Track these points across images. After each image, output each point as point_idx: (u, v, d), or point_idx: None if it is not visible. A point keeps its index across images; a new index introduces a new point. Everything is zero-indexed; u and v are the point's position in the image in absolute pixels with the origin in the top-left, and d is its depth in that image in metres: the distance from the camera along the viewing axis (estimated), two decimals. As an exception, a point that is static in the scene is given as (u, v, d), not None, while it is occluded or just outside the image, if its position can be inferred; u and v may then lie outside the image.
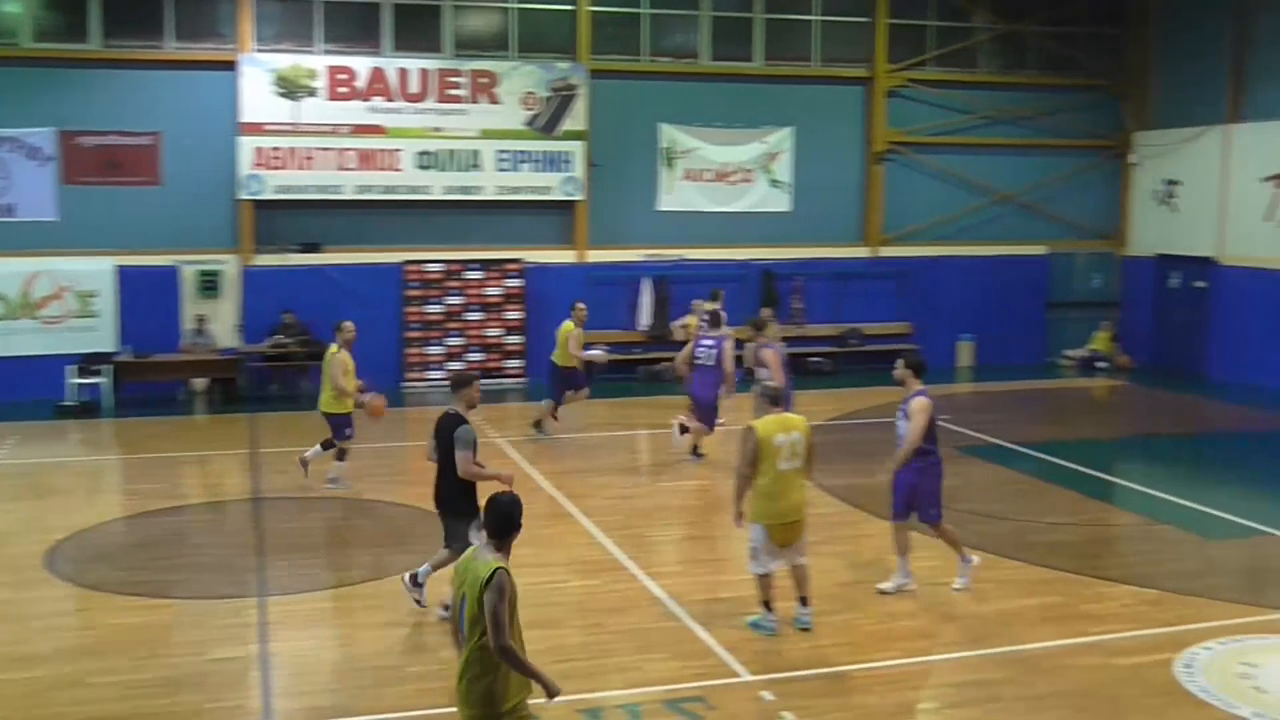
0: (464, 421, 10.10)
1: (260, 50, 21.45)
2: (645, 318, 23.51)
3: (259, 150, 21.35)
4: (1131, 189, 26.50)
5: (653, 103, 23.73)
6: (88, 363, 20.49)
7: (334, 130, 21.71)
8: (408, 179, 22.15)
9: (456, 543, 10.28)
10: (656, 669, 9.34)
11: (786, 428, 9.88)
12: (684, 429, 16.30)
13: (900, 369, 11.05)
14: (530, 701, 6.39)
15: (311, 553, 12.50)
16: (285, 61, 21.47)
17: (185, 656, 9.64)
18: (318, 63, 21.65)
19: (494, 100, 22.51)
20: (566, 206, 23.29)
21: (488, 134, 22.47)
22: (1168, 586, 11.46)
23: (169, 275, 21.32)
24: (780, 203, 24.62)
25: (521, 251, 22.92)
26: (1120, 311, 26.53)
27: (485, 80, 22.45)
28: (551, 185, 22.94)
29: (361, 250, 22.20)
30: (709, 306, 18.09)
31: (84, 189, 21.04)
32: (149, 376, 21.02)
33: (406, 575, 10.65)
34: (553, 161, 22.90)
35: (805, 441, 9.97)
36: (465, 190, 22.51)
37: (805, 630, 10.10)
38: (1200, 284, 24.56)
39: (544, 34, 23.14)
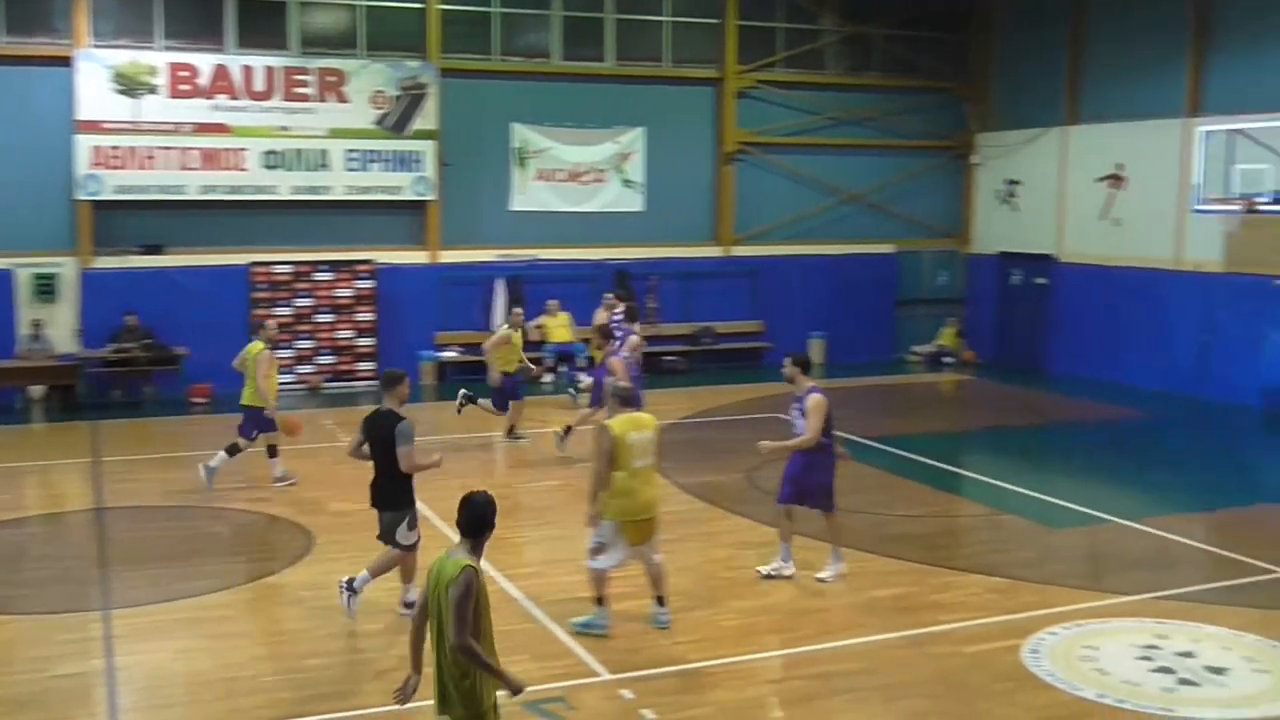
0: (401, 418, 10.12)
1: (97, 46, 20.75)
2: (499, 318, 23.35)
3: (97, 149, 20.67)
4: (975, 189, 27.23)
5: (505, 102, 23.60)
6: (-84, 371, 19.68)
7: (176, 129, 21.14)
8: (254, 179, 21.68)
9: (392, 539, 10.36)
10: (516, 670, 9.24)
11: (639, 426, 9.96)
12: (568, 430, 16.61)
13: (789, 367, 11.45)
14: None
15: (159, 563, 12.13)
16: (124, 58, 20.81)
17: (27, 674, 9.27)
18: (158, 59, 21.04)
19: (342, 99, 22.16)
20: (418, 207, 23.05)
21: (336, 133, 22.11)
22: (1014, 575, 11.79)
23: (3, 278, 20.51)
24: (633, 203, 24.72)
25: (372, 252, 22.60)
26: (965, 308, 27.25)
27: (333, 79, 22.09)
28: (402, 185, 22.68)
29: (206, 252, 21.64)
30: (612, 304, 19.06)
31: (-90, 189, 20.18)
32: (-18, 384, 20.24)
33: (343, 579, 10.47)
34: (403, 161, 22.64)
35: (656, 439, 10.06)
36: (314, 190, 22.12)
37: (663, 629, 10.14)
38: (1041, 281, 25.34)
39: (393, 32, 22.85)
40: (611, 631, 10.04)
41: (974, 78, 26.93)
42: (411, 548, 10.41)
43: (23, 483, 15.84)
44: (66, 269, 20.90)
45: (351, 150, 22.25)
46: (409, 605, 10.42)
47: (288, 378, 21.58)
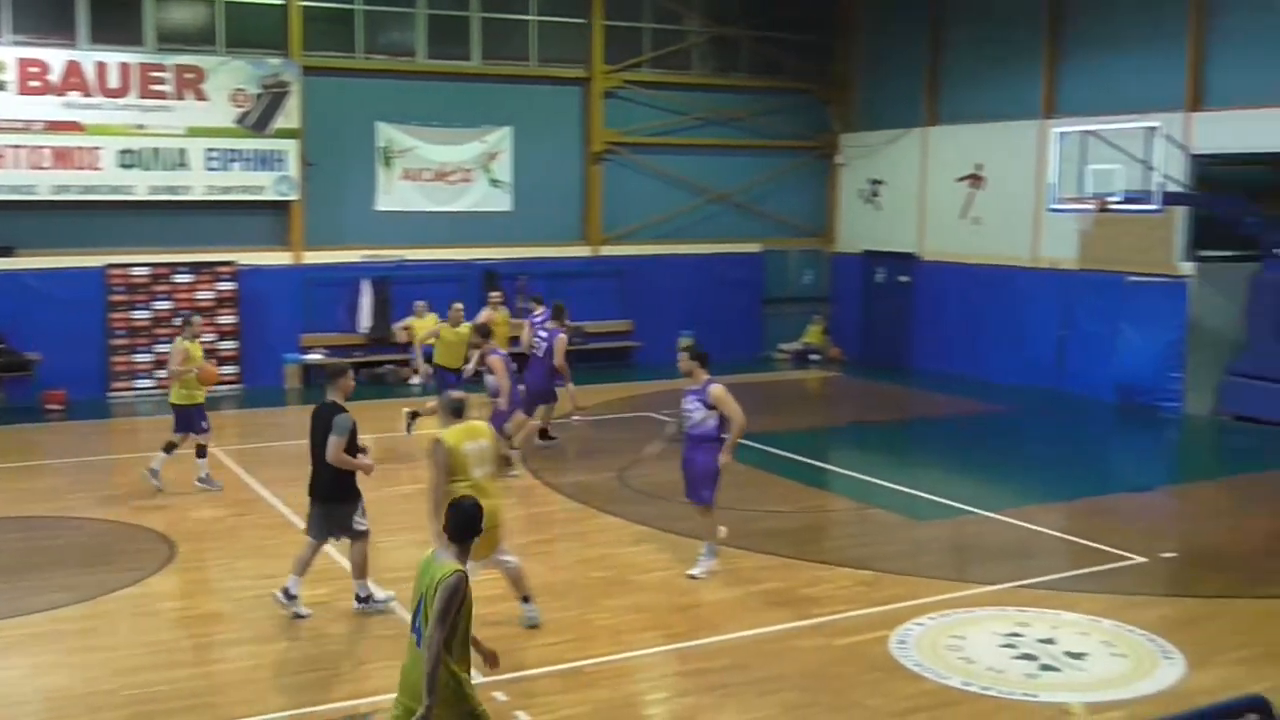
0: (341, 410, 10.16)
1: (-60, 40, 20.04)
2: (365, 320, 23.07)
3: (-59, 148, 19.95)
4: (839, 188, 27.63)
5: (369, 101, 23.28)
6: None
7: (26, 127, 20.42)
8: (109, 178, 21.05)
9: (319, 533, 10.39)
10: (385, 677, 9.13)
11: (474, 435, 9.76)
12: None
13: (685, 361, 11.63)
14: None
15: (12, 575, 11.70)
16: (-31, 53, 20.12)
17: None
18: (6, 54, 20.29)
19: (201, 97, 21.63)
20: (281, 207, 22.61)
21: (195, 132, 21.58)
22: (881, 567, 11.98)
23: None
24: (500, 202, 24.58)
25: (234, 253, 22.11)
26: (831, 306, 27.64)
27: (191, 76, 21.55)
28: (264, 185, 22.23)
29: (60, 253, 20.94)
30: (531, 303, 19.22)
31: None
32: None
33: (279, 592, 10.34)
34: (265, 160, 22.19)
35: (492, 448, 9.92)
36: (172, 190, 21.56)
37: (534, 628, 10.08)
38: (904, 279, 25.82)
39: (253, 29, 22.37)
40: (481, 634, 9.92)
41: (837, 79, 27.32)
42: (367, 532, 10.50)
43: None
44: (-91, 272, 20.11)
45: (211, 149, 21.73)
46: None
47: (145, 383, 21.08)
